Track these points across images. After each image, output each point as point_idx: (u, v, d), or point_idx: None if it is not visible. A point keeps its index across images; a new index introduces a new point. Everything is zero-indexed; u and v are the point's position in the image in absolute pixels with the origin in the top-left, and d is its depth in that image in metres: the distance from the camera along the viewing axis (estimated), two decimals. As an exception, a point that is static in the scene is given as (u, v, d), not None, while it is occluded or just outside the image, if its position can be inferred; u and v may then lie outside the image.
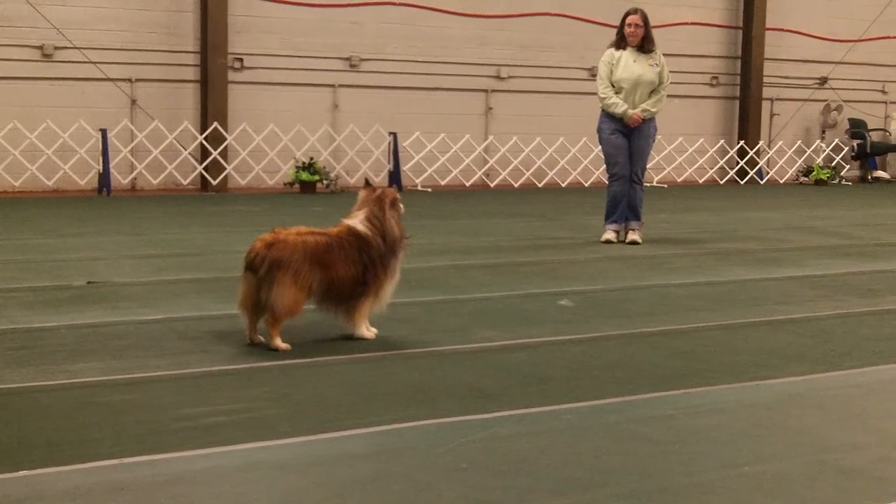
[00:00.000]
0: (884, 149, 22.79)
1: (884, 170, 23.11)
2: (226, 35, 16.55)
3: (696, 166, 20.54)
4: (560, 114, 19.29)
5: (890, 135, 23.10)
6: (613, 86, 10.88)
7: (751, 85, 21.28)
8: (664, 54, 11.20)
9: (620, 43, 10.97)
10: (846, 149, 22.28)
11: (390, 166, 17.69)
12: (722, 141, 21.11)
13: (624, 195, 10.95)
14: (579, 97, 18.93)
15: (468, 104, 18.89)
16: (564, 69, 19.52)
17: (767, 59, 21.44)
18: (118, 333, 6.24)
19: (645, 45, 10.90)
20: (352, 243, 6.03)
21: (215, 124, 16.34)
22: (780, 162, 21.74)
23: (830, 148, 21.92)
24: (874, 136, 22.64)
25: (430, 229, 11.62)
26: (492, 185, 18.68)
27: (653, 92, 10.91)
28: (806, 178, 21.35)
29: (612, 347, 6.21)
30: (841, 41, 22.19)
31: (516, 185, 18.65)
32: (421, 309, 7.19)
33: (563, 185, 19.05)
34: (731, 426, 4.66)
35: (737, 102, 21.64)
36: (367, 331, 6.16)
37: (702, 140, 20.53)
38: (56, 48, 15.74)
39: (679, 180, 20.30)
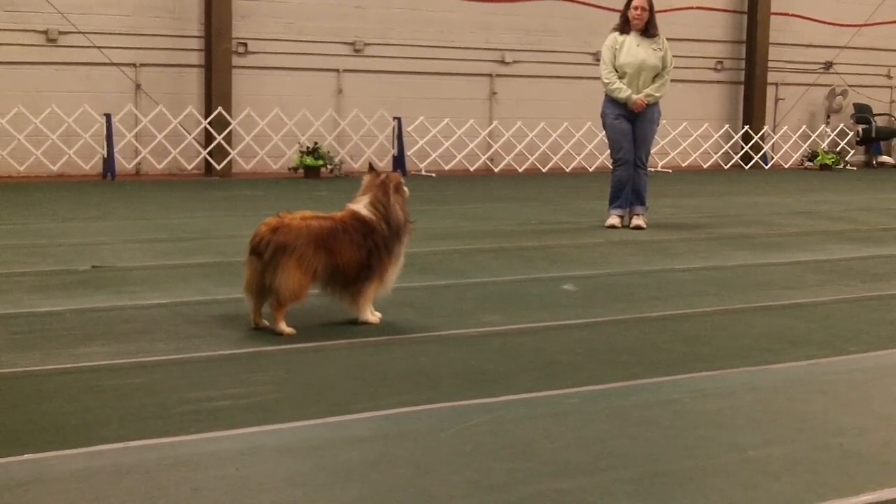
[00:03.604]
0: (889, 134, 22.76)
1: (889, 155, 23.07)
2: (230, 20, 16.54)
3: (700, 151, 20.52)
4: (564, 99, 19.27)
5: (895, 119, 23.05)
6: (617, 70, 10.86)
7: (756, 70, 21.24)
8: (669, 39, 11.17)
9: (624, 27, 10.94)
10: (851, 134, 22.24)
11: (394, 151, 17.68)
12: (727, 126, 21.08)
13: (628, 180, 10.94)
14: (584, 82, 18.89)
15: (473, 89, 18.88)
16: (569, 54, 19.50)
17: (772, 43, 21.40)
18: (123, 317, 6.25)
19: (649, 30, 10.87)
20: (356, 228, 6.02)
21: (220, 109, 16.34)
22: (785, 147, 21.71)
23: (835, 133, 21.89)
24: (879, 121, 22.60)
25: (435, 214, 11.62)
26: (496, 170, 18.67)
27: (656, 77, 10.89)
28: (811, 163, 21.34)
29: (617, 332, 6.21)
30: (846, 26, 22.13)
31: (520, 170, 18.64)
32: (425, 293, 7.19)
33: (567, 170, 19.04)
34: (735, 410, 4.66)
35: (741, 87, 21.61)
36: (372, 315, 6.17)
37: (706, 125, 20.51)
38: (61, 33, 15.73)
39: (683, 165, 20.28)
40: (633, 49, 10.84)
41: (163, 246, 9.15)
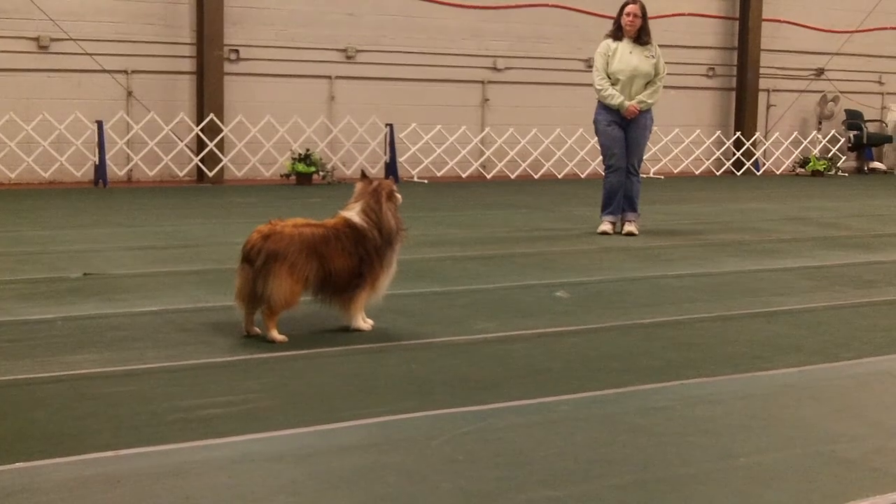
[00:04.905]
0: (880, 140, 22.81)
1: (880, 161, 23.12)
2: (222, 26, 16.52)
3: (692, 157, 20.54)
4: (557, 105, 19.28)
5: (886, 126, 23.12)
6: (610, 77, 10.87)
7: (747, 76, 21.27)
8: (660, 45, 11.19)
9: (617, 34, 10.96)
10: (843, 140, 22.28)
11: (387, 158, 17.68)
12: (718, 132, 21.10)
13: (620, 186, 10.95)
14: (576, 88, 18.91)
15: (465, 95, 18.88)
16: (561, 60, 19.51)
17: (764, 49, 21.43)
18: (114, 325, 6.24)
19: (642, 37, 10.89)
20: (348, 235, 6.02)
21: (211, 116, 16.33)
22: (777, 153, 21.75)
23: (827, 139, 21.93)
24: (871, 127, 22.64)
25: (427, 221, 11.62)
26: (488, 177, 18.67)
27: (649, 83, 10.91)
28: (802, 170, 21.36)
29: (609, 339, 6.21)
30: (838, 32, 22.18)
31: (513, 177, 18.65)
32: (417, 300, 7.19)
33: (559, 177, 19.06)
34: (727, 417, 4.67)
35: (733, 93, 21.64)
36: (364, 322, 6.17)
37: (698, 131, 20.53)
38: (52, 40, 15.71)
39: (675, 172, 20.30)
40: (626, 56, 10.86)
41: (154, 253, 9.14)
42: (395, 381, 5.15)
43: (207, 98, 16.46)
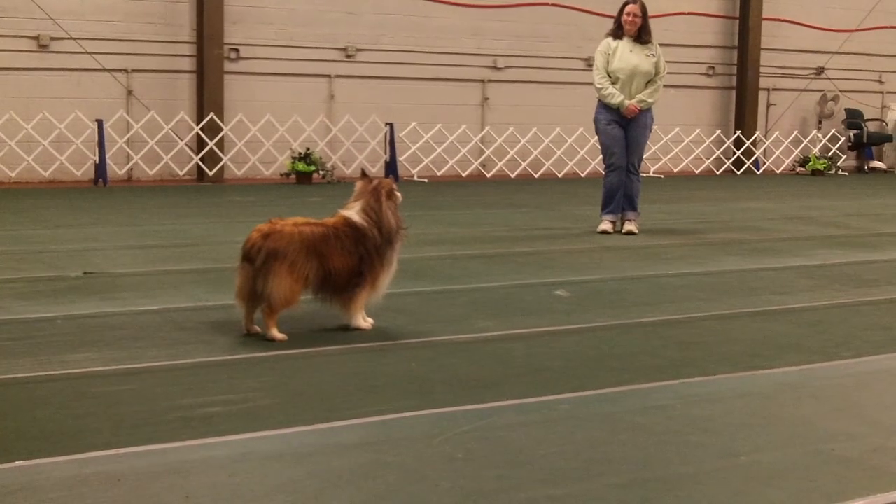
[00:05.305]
0: (880, 139, 22.81)
1: (880, 160, 23.13)
2: (222, 25, 16.53)
3: (692, 157, 20.55)
4: (557, 104, 19.28)
5: (886, 125, 23.12)
6: (610, 76, 10.87)
7: (747, 75, 21.27)
8: (661, 44, 11.19)
9: (617, 32, 10.96)
10: (843, 139, 22.29)
11: (387, 157, 17.68)
12: (718, 131, 21.10)
13: (620, 185, 10.95)
14: (576, 87, 18.92)
15: (465, 94, 18.89)
16: (561, 59, 19.51)
17: (764, 49, 21.44)
18: (114, 324, 6.24)
19: (642, 36, 10.89)
20: (348, 234, 6.02)
21: (211, 115, 16.33)
22: (777, 152, 21.75)
23: (827, 138, 21.93)
24: (871, 127, 22.65)
25: (427, 220, 11.62)
26: (488, 176, 18.67)
27: (649, 82, 10.91)
28: (802, 169, 21.37)
29: (609, 337, 6.21)
30: (838, 31, 22.17)
31: (513, 176, 18.65)
32: (417, 299, 7.19)
33: (559, 176, 19.06)
34: (727, 416, 4.67)
35: (733, 92, 21.64)
36: (364, 321, 6.17)
37: (698, 130, 20.53)
38: (52, 39, 15.71)
39: (675, 171, 20.30)
40: (627, 55, 10.85)
41: (155, 252, 9.14)
42: (395, 379, 5.15)
43: (207, 97, 16.47)
